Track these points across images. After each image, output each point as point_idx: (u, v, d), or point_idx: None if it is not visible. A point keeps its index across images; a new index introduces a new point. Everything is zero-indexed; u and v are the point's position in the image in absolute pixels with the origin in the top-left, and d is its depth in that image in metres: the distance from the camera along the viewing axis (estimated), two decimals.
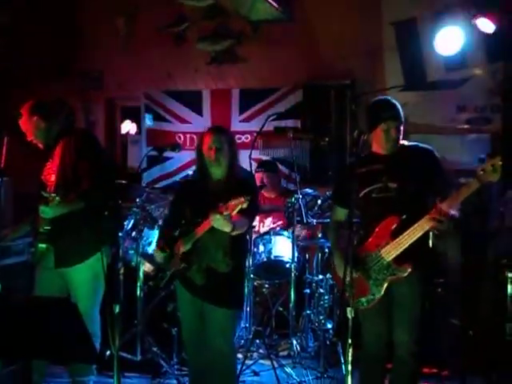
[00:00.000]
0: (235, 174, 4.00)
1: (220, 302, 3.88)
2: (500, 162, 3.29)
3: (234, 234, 3.76)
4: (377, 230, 3.68)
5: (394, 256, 3.60)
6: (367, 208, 3.76)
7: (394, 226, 3.61)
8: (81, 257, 3.99)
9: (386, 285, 3.64)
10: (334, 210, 4.10)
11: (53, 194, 3.75)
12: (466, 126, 6.10)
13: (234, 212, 3.58)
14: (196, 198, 3.97)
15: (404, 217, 3.60)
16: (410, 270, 3.58)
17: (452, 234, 4.59)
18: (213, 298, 3.88)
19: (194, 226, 3.86)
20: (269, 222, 6.00)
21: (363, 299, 3.68)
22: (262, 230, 5.94)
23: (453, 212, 3.50)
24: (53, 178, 4.01)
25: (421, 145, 3.85)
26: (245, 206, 3.54)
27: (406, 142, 3.85)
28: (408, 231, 3.56)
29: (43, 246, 3.99)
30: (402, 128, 3.76)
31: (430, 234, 3.79)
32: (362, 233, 3.72)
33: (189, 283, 3.96)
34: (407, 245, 3.57)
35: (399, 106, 3.76)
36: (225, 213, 3.58)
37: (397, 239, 3.59)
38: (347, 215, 3.86)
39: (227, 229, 3.70)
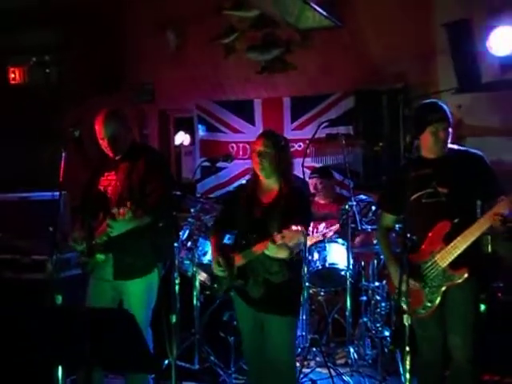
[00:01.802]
0: (287, 186, 3.85)
1: (274, 309, 3.82)
2: None
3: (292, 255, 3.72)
4: (429, 235, 3.63)
5: (449, 261, 3.54)
6: (417, 213, 3.68)
7: (447, 231, 3.55)
8: (144, 271, 4.01)
9: (442, 291, 3.58)
10: (381, 216, 4.06)
11: (126, 208, 3.63)
12: None
13: (291, 244, 3.49)
14: (248, 208, 3.91)
15: (456, 221, 3.54)
16: (466, 274, 3.52)
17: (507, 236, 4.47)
18: (268, 307, 3.84)
19: (248, 244, 3.79)
20: (322, 228, 5.95)
21: (419, 308, 3.62)
22: (316, 235, 5.90)
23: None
24: (117, 190, 4.00)
25: (471, 150, 3.77)
26: (302, 239, 3.46)
27: (455, 146, 3.78)
28: (463, 234, 3.50)
29: (101, 256, 3.99)
30: (450, 130, 3.69)
31: (489, 238, 3.70)
32: (415, 238, 3.65)
33: (245, 296, 3.93)
34: (462, 249, 3.50)
35: (447, 108, 3.70)
36: (279, 242, 3.49)
37: (451, 244, 3.53)
38: (399, 221, 3.82)
39: (284, 255, 3.65)
